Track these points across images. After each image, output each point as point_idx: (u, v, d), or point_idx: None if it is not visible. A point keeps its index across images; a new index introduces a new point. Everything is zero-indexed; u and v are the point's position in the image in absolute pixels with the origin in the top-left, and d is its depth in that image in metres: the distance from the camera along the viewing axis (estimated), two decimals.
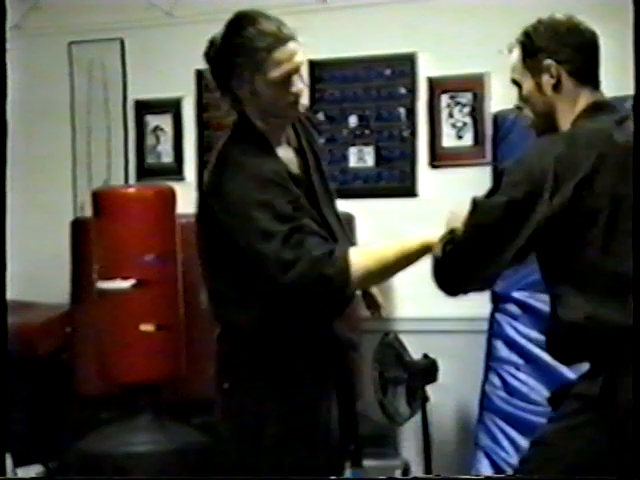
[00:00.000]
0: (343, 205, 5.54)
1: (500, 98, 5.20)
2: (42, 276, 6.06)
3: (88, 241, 5.30)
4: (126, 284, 5.05)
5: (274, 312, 2.75)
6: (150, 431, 5.11)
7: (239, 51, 2.83)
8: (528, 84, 2.59)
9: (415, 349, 4.78)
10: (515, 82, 2.63)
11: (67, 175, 6.35)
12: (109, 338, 5.10)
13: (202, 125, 6.17)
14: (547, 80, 2.56)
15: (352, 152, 5.90)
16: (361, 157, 5.88)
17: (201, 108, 6.17)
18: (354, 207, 5.31)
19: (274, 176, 2.72)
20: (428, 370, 4.76)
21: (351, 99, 5.89)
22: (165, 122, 6.24)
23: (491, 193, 2.49)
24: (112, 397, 5.30)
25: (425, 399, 4.78)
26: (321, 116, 5.97)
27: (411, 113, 5.63)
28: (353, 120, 5.90)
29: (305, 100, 2.93)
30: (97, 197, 5.28)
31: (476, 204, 2.50)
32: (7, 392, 2.76)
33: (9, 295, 4.47)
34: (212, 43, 2.91)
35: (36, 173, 6.34)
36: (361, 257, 2.67)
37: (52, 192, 6.31)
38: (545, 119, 2.58)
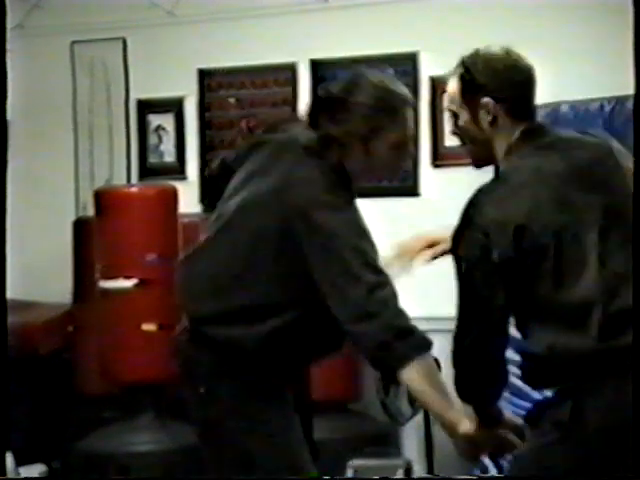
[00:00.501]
0: None
1: None
2: (44, 275, 6.07)
3: (90, 240, 5.30)
4: (128, 283, 5.05)
5: (299, 337, 2.81)
6: (152, 430, 5.12)
7: (379, 106, 2.85)
8: (465, 117, 2.61)
9: None
10: (453, 114, 2.66)
11: (69, 174, 6.36)
12: (111, 337, 5.11)
13: (204, 124, 6.17)
14: (484, 116, 2.59)
15: None
16: None
17: (203, 107, 6.17)
18: None
19: (366, 228, 2.82)
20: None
21: None
22: (167, 121, 6.24)
23: (458, 268, 2.52)
24: (114, 396, 5.30)
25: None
26: None
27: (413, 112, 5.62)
28: None
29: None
30: (99, 196, 5.29)
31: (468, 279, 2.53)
32: (7, 391, 2.75)
33: (11, 294, 4.46)
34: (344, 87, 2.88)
35: (38, 172, 6.34)
36: (422, 367, 2.77)
37: (54, 191, 6.32)
38: (481, 149, 2.62)
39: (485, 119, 2.59)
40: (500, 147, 2.59)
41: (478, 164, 2.66)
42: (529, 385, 2.63)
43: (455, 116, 2.64)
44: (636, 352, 2.37)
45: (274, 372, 2.87)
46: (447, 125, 2.69)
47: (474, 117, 2.60)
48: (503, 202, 2.48)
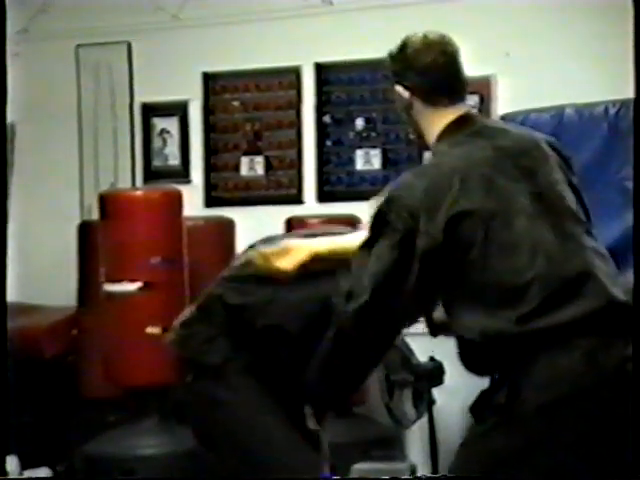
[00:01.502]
0: (350, 208, 5.58)
1: (506, 100, 5.18)
2: (49, 279, 6.07)
3: (95, 244, 5.30)
4: (133, 287, 5.05)
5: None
6: (157, 434, 5.11)
7: None
8: (398, 103, 2.70)
9: (421, 352, 4.78)
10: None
11: (74, 178, 6.36)
12: (116, 341, 5.11)
13: (209, 128, 6.18)
14: (400, 103, 2.67)
15: (359, 155, 5.90)
16: (368, 160, 5.88)
17: (208, 111, 6.17)
18: (361, 209, 5.28)
19: None
20: (434, 373, 4.76)
21: (358, 102, 5.90)
22: (172, 125, 6.25)
23: (371, 240, 2.53)
24: (119, 400, 5.30)
25: (431, 402, 4.79)
26: (328, 119, 5.97)
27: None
28: (360, 123, 5.90)
29: None
30: (104, 200, 5.29)
31: (360, 255, 2.53)
32: (8, 394, 2.75)
33: (16, 298, 4.48)
34: None
35: (43, 176, 6.36)
36: None
37: (59, 195, 6.32)
38: (416, 133, 2.70)
39: (401, 105, 2.66)
40: (428, 133, 2.64)
41: (420, 146, 2.72)
42: (469, 371, 2.62)
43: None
44: (636, 352, 2.38)
45: None
46: None
47: (398, 103, 2.68)
48: (434, 187, 2.49)
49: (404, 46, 2.65)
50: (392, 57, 2.67)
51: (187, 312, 3.10)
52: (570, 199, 2.56)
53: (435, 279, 2.49)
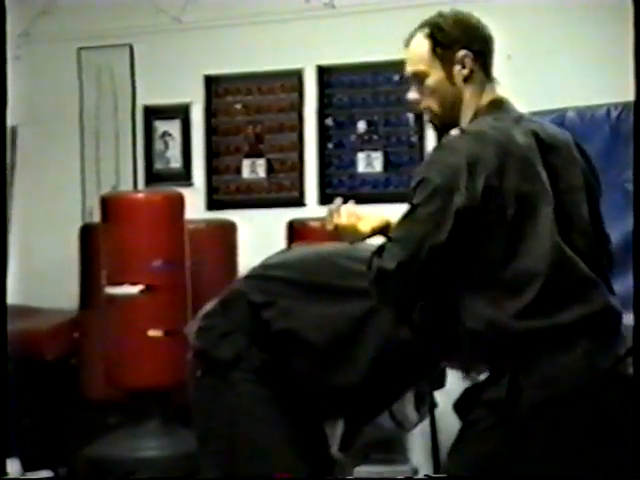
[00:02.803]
0: None
1: None
2: (50, 281, 6.07)
3: (97, 246, 5.30)
4: (134, 289, 5.05)
5: None
6: (158, 436, 5.11)
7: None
8: (437, 74, 2.58)
9: None
10: (415, 75, 2.63)
11: (76, 180, 6.37)
12: (117, 343, 5.11)
13: (211, 130, 6.18)
14: (459, 70, 2.57)
15: (360, 157, 5.90)
16: (369, 162, 5.88)
17: (210, 113, 6.17)
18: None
19: None
20: (436, 376, 4.74)
21: (359, 104, 5.90)
22: (174, 127, 6.25)
23: (417, 201, 2.50)
24: (120, 402, 5.30)
25: (433, 405, 4.77)
26: (330, 121, 5.97)
27: (419, 118, 5.62)
28: (362, 125, 5.90)
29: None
30: (106, 202, 5.29)
31: (411, 212, 2.51)
32: (9, 396, 2.75)
33: (17, 300, 4.47)
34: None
35: (45, 178, 6.36)
36: None
37: (61, 197, 6.32)
38: (450, 111, 2.59)
39: (460, 74, 2.57)
40: (467, 109, 2.57)
41: (442, 128, 2.60)
42: (471, 359, 2.62)
43: (418, 78, 2.61)
44: (636, 352, 2.39)
45: None
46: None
47: (448, 73, 2.58)
48: (476, 152, 2.45)
49: (460, 16, 2.61)
50: (450, 23, 2.59)
51: (210, 304, 3.06)
52: (584, 209, 2.54)
53: (461, 247, 2.44)
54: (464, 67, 2.57)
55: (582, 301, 2.42)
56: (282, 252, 3.16)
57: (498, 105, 2.59)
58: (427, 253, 2.43)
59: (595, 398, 2.40)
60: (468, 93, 2.58)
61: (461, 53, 2.57)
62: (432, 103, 2.62)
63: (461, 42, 2.57)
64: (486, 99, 2.58)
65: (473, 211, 2.41)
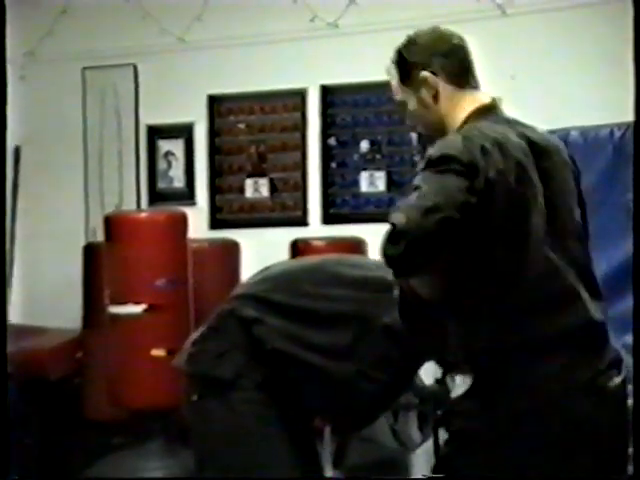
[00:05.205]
0: (355, 230, 5.59)
1: None
2: (54, 301, 6.07)
3: (100, 266, 5.30)
4: (137, 309, 5.05)
5: None
6: (161, 456, 5.10)
7: None
8: (412, 100, 2.62)
9: (427, 374, 4.75)
10: (399, 104, 2.67)
11: (79, 200, 6.37)
12: (120, 363, 5.10)
13: (214, 150, 6.19)
14: (427, 92, 2.60)
15: (364, 177, 5.91)
16: (372, 182, 5.89)
17: (213, 133, 6.19)
18: (365, 231, 5.30)
19: None
20: (440, 395, 4.73)
21: (362, 124, 5.91)
22: (177, 147, 6.26)
23: (429, 175, 2.45)
24: (123, 422, 5.29)
25: (437, 425, 4.75)
26: (333, 141, 5.98)
27: (422, 138, 5.63)
28: (365, 145, 5.91)
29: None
30: (109, 222, 5.29)
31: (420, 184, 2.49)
32: (8, 416, 2.74)
33: (20, 320, 4.45)
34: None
35: (48, 198, 6.36)
36: None
37: (64, 217, 6.33)
38: (436, 128, 2.61)
39: (428, 95, 2.59)
40: (453, 119, 2.57)
41: (431, 139, 2.60)
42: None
43: (402, 107, 2.65)
44: (636, 351, 2.38)
45: None
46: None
47: (418, 98, 2.60)
48: (487, 143, 2.42)
49: (417, 38, 2.64)
50: (409, 49, 2.63)
51: (198, 332, 3.06)
52: (576, 213, 2.54)
53: (457, 249, 2.39)
54: (430, 88, 2.59)
55: (564, 313, 2.42)
56: (265, 269, 3.14)
57: (485, 111, 2.59)
58: (453, 208, 2.35)
59: (570, 410, 2.39)
60: (443, 110, 2.60)
61: (421, 76, 2.59)
62: (418, 126, 2.69)
63: (420, 65, 2.61)
64: (470, 107, 2.58)
65: (484, 195, 2.37)
